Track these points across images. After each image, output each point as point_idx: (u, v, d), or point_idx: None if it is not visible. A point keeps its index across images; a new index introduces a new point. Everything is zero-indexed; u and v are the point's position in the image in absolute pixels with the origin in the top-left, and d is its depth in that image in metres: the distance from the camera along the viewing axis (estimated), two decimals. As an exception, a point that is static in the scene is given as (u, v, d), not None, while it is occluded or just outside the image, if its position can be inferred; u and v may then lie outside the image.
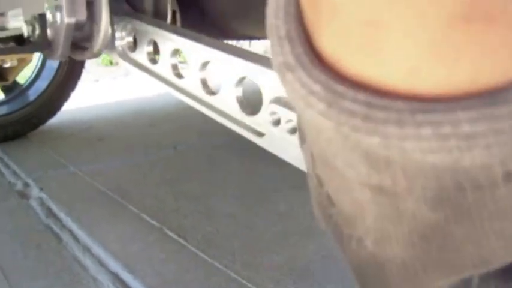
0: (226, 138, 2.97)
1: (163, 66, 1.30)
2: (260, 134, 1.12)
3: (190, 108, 1.30)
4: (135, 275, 1.68)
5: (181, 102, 1.29)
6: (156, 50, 1.32)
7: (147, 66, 1.34)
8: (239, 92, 1.15)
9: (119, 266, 1.73)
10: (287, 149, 1.05)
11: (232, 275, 1.66)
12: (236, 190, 2.28)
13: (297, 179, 2.43)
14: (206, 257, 1.75)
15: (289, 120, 1.02)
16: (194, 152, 2.81)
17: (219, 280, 1.65)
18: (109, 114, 3.74)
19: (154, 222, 1.99)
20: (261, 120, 1.11)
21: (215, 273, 1.68)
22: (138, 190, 2.33)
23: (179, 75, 1.28)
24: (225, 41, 1.40)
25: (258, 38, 2.35)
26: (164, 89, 1.29)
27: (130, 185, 2.40)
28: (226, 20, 1.84)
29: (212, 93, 1.21)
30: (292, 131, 1.02)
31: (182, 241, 1.85)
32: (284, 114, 1.02)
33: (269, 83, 1.05)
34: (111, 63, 5.74)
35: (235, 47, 1.18)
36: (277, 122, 1.04)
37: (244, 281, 1.63)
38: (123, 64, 1.38)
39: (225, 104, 1.17)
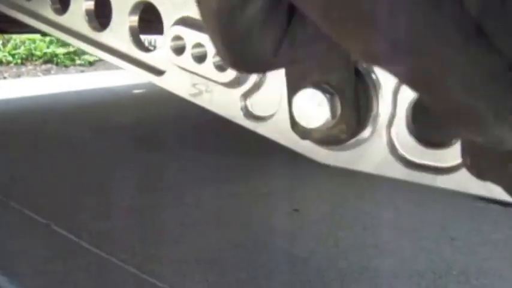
0: (125, 131, 2.71)
1: (41, 2, 1.06)
2: (159, 72, 0.91)
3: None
4: (11, 277, 1.39)
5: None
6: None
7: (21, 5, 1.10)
8: (134, 21, 0.94)
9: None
10: (196, 86, 0.85)
11: (131, 270, 1.42)
12: (136, 183, 2.04)
13: (203, 170, 2.24)
14: (102, 253, 1.49)
15: (197, 45, 0.82)
16: (89, 144, 2.53)
17: (115, 277, 1.40)
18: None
19: (39, 218, 1.70)
20: (160, 55, 0.90)
21: (111, 270, 1.42)
22: (23, 185, 2.03)
23: (58, 11, 1.04)
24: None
25: None
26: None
27: (14, 180, 2.09)
28: None
29: (100, 28, 0.99)
30: (201, 58, 0.82)
31: (73, 237, 1.58)
32: (191, 36, 0.82)
33: (172, 2, 0.85)
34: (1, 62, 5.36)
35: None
36: (180, 49, 0.84)
37: (145, 276, 1.39)
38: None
39: (117, 42, 0.95)
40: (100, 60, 6.55)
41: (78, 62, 6.43)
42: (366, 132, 0.73)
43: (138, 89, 4.55)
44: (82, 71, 6.08)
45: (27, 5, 1.09)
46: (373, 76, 0.71)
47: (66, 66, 6.38)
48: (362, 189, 1.93)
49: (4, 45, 6.19)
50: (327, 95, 0.68)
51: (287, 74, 0.73)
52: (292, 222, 1.66)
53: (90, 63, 6.41)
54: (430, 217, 1.69)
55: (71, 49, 6.37)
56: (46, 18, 1.06)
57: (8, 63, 6.03)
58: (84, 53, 6.63)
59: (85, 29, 1.00)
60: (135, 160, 2.32)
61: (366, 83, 0.71)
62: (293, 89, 0.72)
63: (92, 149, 2.51)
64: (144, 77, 0.93)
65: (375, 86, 0.71)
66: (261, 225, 1.65)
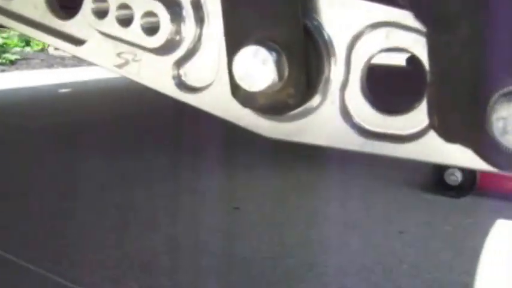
0: (41, 123, 2.54)
1: None
2: (80, 42, 0.79)
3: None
4: None
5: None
6: None
7: None
8: (47, -15, 0.81)
9: None
10: (121, 55, 0.74)
11: (55, 278, 1.27)
12: (57, 185, 1.88)
13: (131, 168, 2.10)
14: (20, 261, 1.34)
15: (123, 6, 0.71)
16: (8, 145, 2.34)
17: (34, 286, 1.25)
18: None
19: None
20: (80, 22, 0.78)
21: (30, 280, 1.27)
22: None
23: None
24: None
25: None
26: None
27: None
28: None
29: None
30: (126, 22, 0.71)
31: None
32: (114, -3, 0.71)
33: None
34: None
35: None
36: (102, 12, 0.73)
37: (71, 284, 1.24)
38: None
39: (29, 6, 0.83)
40: (23, 58, 6.19)
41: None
42: (316, 99, 0.64)
43: (64, 88, 4.34)
44: (3, 70, 5.69)
45: None
46: (324, 33, 0.62)
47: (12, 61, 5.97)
48: (304, 186, 1.86)
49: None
50: (273, 53, 0.59)
51: (226, 32, 0.63)
52: (233, 221, 1.56)
53: (12, 62, 6.02)
54: (377, 211, 1.63)
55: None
56: None
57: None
58: (5, 51, 6.22)
59: (-8, -3, 0.87)
60: (57, 162, 2.16)
61: (315, 41, 0.62)
62: (233, 48, 0.62)
63: (12, 150, 2.32)
64: (63, 48, 0.81)
65: (326, 44, 0.62)
66: (199, 225, 1.53)
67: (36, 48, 6.94)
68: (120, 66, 0.76)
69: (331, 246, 1.42)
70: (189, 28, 0.70)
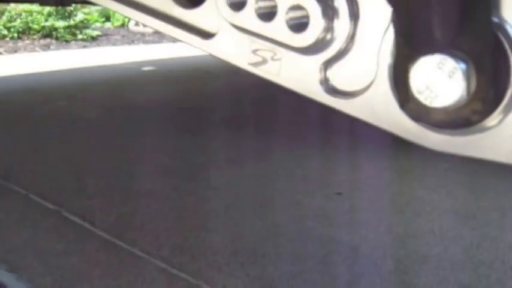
0: (136, 112, 2.54)
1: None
2: (208, 35, 0.72)
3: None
4: (19, 273, 1.21)
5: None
6: None
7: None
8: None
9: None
10: (256, 52, 0.66)
11: (159, 263, 1.24)
12: (156, 166, 1.86)
13: (231, 150, 2.06)
14: (121, 244, 1.32)
15: (264, -3, 0.63)
16: (98, 127, 2.34)
17: (141, 272, 1.22)
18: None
19: (48, 204, 1.53)
20: (208, 12, 0.71)
21: (135, 264, 1.25)
22: (27, 168, 1.84)
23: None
24: None
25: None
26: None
27: (18, 163, 1.90)
28: None
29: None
30: (268, 15, 0.63)
31: (88, 225, 1.41)
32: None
33: None
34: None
35: None
36: (239, 4, 0.65)
37: (175, 271, 1.21)
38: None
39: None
40: (104, 34, 6.22)
41: (79, 36, 6.08)
42: (498, 114, 0.54)
43: (147, 66, 4.31)
44: (84, 47, 5.75)
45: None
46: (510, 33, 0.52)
47: (66, 41, 6.03)
48: (407, 172, 1.76)
49: (-1, 17, 5.88)
50: (461, 63, 0.49)
51: (400, 36, 0.54)
52: (335, 207, 1.49)
53: (93, 38, 6.07)
54: (488, 201, 1.52)
55: (72, 22, 6.03)
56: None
57: (4, 37, 5.71)
58: (86, 27, 6.25)
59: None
60: (148, 141, 2.14)
61: (504, 49, 0.52)
62: (410, 55, 0.53)
63: (100, 130, 2.32)
64: (188, 41, 0.74)
65: (515, 52, 0.52)
66: (301, 209, 1.47)
67: (116, 24, 6.96)
68: (255, 64, 0.68)
69: (444, 237, 1.32)
70: (342, 24, 0.60)
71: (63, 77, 3.46)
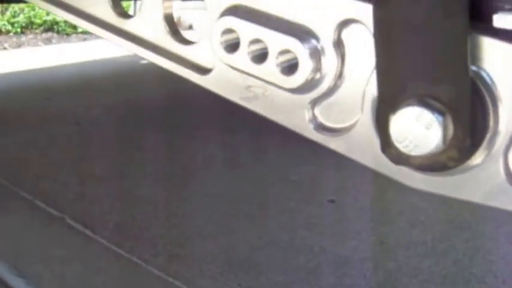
0: (137, 111, 2.57)
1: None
2: (204, 71, 0.75)
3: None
4: (27, 279, 1.26)
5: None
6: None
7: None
8: (169, 7, 0.77)
9: (5, 267, 1.31)
10: (250, 89, 0.70)
11: (156, 271, 1.29)
12: (154, 170, 1.89)
13: (228, 154, 2.09)
14: (121, 251, 1.37)
15: (255, 41, 0.66)
16: (101, 128, 2.37)
17: (139, 280, 1.27)
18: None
19: (52, 211, 1.57)
20: (205, 49, 0.74)
21: (134, 272, 1.30)
22: (33, 172, 1.88)
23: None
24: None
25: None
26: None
27: (24, 166, 1.94)
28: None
29: (124, 15, 0.82)
30: (260, 57, 0.66)
31: (89, 232, 1.45)
32: (246, 30, 0.66)
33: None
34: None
35: None
36: (233, 46, 0.68)
37: (171, 279, 1.26)
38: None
39: (147, 27, 0.79)
40: None
41: (80, 29, 6.17)
42: (478, 157, 0.58)
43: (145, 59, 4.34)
44: (84, 39, 5.80)
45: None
46: (488, 80, 0.55)
47: (67, 34, 6.11)
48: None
49: (3, 13, 5.92)
50: (438, 116, 0.53)
51: (381, 86, 0.57)
52: (327, 216, 1.53)
53: None
54: (483, 211, 1.55)
55: (72, 16, 6.07)
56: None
57: (8, 32, 5.78)
58: None
59: (109, 15, 0.84)
60: (150, 142, 2.17)
61: (482, 96, 0.56)
62: (389, 105, 0.57)
63: (101, 130, 2.36)
64: (185, 76, 0.77)
65: (492, 94, 0.56)
66: (293, 217, 1.51)
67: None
68: (247, 99, 0.72)
69: (436, 248, 1.36)
70: (329, 65, 0.64)
71: (65, 72, 3.49)
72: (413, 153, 0.55)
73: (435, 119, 0.53)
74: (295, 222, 1.50)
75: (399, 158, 0.57)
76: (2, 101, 2.89)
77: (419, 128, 0.53)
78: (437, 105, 0.53)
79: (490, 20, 0.62)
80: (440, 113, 0.53)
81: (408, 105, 0.54)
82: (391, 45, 0.55)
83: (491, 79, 0.55)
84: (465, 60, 0.52)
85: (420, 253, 1.34)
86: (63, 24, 6.14)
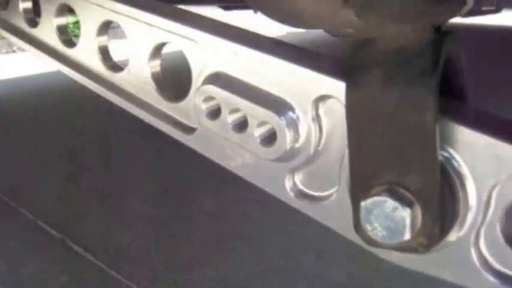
0: (141, 123, 2.56)
1: (46, 30, 0.91)
2: (189, 130, 0.77)
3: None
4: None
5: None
6: (36, 9, 0.93)
7: (23, 30, 0.94)
8: (156, 66, 0.79)
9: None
10: (231, 152, 0.71)
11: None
12: (154, 187, 1.91)
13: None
14: (120, 277, 1.39)
15: (235, 110, 0.68)
16: (104, 139, 2.39)
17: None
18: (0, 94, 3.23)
19: (54, 232, 1.59)
20: (189, 108, 0.76)
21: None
22: (34, 188, 1.91)
23: (69, 43, 0.89)
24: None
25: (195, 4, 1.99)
26: (49, 64, 0.90)
27: (26, 181, 1.97)
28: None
29: (117, 68, 0.84)
30: (240, 126, 0.68)
31: (89, 257, 1.47)
32: (226, 100, 0.68)
33: (201, 51, 0.70)
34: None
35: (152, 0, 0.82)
36: (214, 113, 0.69)
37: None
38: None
39: (135, 84, 0.81)
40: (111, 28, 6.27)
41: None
42: (449, 239, 0.59)
43: None
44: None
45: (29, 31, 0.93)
46: (459, 167, 0.56)
47: (76, 36, 6.04)
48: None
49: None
50: (407, 209, 0.54)
51: (352, 168, 0.58)
52: (325, 239, 1.53)
53: None
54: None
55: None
56: (54, 50, 0.91)
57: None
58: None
59: (98, 66, 0.85)
60: (147, 156, 2.19)
61: (452, 183, 0.56)
62: (360, 188, 0.58)
63: (102, 142, 2.37)
64: (170, 134, 0.79)
65: (463, 185, 0.56)
66: (292, 241, 1.52)
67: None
68: (231, 162, 0.73)
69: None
70: (307, 137, 0.65)
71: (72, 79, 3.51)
72: (381, 241, 0.56)
73: (403, 209, 0.54)
74: (293, 246, 1.51)
75: (370, 240, 0.58)
76: (10, 107, 2.92)
77: (387, 217, 0.54)
78: (406, 195, 0.54)
79: (464, 97, 0.62)
80: (409, 203, 0.54)
81: (377, 193, 0.55)
82: (361, 132, 0.56)
83: (459, 163, 0.56)
84: (434, 150, 0.53)
85: (417, 279, 1.34)
86: (71, 26, 6.16)
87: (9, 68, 3.90)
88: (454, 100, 0.60)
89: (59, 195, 1.85)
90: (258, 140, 0.66)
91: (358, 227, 0.59)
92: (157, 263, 1.45)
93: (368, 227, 0.56)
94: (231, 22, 0.74)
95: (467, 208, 0.57)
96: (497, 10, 1.74)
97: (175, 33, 0.72)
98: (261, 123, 0.65)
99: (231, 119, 0.68)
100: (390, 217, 0.54)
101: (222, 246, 1.53)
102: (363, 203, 0.56)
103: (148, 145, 2.25)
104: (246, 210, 1.71)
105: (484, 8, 1.69)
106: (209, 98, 0.69)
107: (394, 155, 0.55)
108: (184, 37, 0.71)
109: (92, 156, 2.21)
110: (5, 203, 1.78)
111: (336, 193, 0.65)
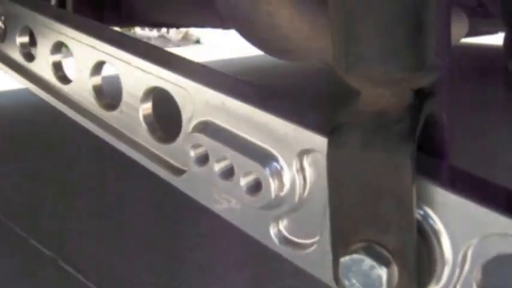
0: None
1: (42, 65, 0.93)
2: (178, 172, 0.79)
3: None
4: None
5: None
6: (33, 42, 0.95)
7: (19, 63, 0.97)
8: (147, 108, 0.81)
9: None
10: (218, 197, 0.73)
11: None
12: (149, 204, 1.93)
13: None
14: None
15: (222, 158, 0.69)
16: (101, 154, 2.40)
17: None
18: (-1, 107, 3.26)
19: (46, 251, 1.61)
20: (179, 150, 0.77)
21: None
22: (31, 205, 1.92)
23: (63, 79, 0.91)
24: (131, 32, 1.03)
25: (176, 26, 2.00)
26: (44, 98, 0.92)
27: (22, 198, 1.99)
28: (137, 1, 1.47)
29: (110, 107, 0.86)
30: (226, 174, 0.70)
31: (80, 277, 1.49)
32: (214, 149, 0.69)
33: (191, 98, 0.72)
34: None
35: (144, 43, 0.84)
36: (202, 160, 0.71)
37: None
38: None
39: (127, 125, 0.82)
40: None
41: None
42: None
43: None
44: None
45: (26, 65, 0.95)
46: (437, 229, 0.58)
47: None
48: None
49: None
50: (383, 268, 0.55)
51: (332, 223, 0.60)
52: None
53: None
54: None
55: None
56: (47, 85, 0.93)
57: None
58: None
59: (91, 104, 0.87)
60: (142, 174, 2.20)
61: (429, 240, 0.58)
62: (340, 243, 0.60)
63: (100, 160, 2.38)
64: (160, 175, 0.81)
65: (439, 241, 0.58)
66: (282, 264, 1.53)
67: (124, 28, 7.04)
68: (219, 206, 0.75)
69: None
70: (292, 188, 0.67)
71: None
72: (359, 294, 0.57)
73: (380, 268, 0.55)
74: (282, 270, 1.52)
75: (347, 289, 0.60)
76: (8, 120, 2.93)
77: (365, 275, 0.56)
78: (384, 253, 0.56)
79: (444, 153, 0.64)
80: (386, 262, 0.56)
81: (355, 250, 0.57)
82: (341, 190, 0.58)
83: (435, 221, 0.58)
84: (411, 211, 0.55)
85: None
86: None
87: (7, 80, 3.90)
88: (432, 158, 0.62)
89: (53, 213, 1.86)
90: (244, 189, 0.68)
91: (337, 280, 0.60)
92: (148, 285, 1.46)
93: (347, 283, 0.57)
94: (222, 69, 0.76)
95: (443, 264, 0.59)
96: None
97: (166, 80, 0.74)
98: (247, 173, 0.67)
99: (218, 166, 0.70)
100: (368, 275, 0.56)
101: (214, 270, 1.54)
102: (342, 259, 0.57)
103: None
104: (236, 234, 1.72)
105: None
106: (197, 145, 0.71)
107: (372, 214, 0.57)
108: (174, 84, 0.73)
109: (88, 174, 2.22)
110: (1, 221, 1.79)
111: (318, 242, 0.67)
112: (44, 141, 2.62)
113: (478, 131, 2.59)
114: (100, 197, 1.99)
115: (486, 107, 3.00)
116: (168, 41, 6.40)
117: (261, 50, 0.99)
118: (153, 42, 6.32)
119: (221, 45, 5.29)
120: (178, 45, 6.33)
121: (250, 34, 1.01)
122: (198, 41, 6.47)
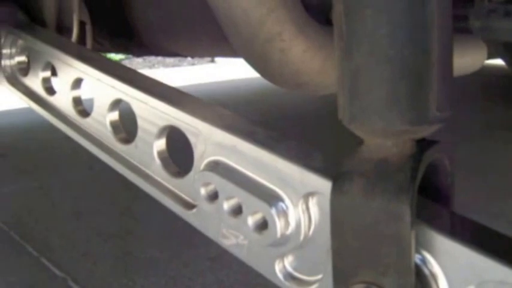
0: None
1: (63, 99, 0.97)
2: (189, 206, 0.82)
3: None
4: None
5: None
6: (54, 73, 1.00)
7: (41, 97, 1.01)
8: (161, 145, 0.84)
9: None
10: (226, 232, 0.76)
11: None
12: (160, 227, 1.96)
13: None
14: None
15: (231, 197, 0.73)
16: (112, 175, 2.45)
17: None
18: (13, 124, 3.30)
19: (56, 271, 1.64)
20: (190, 185, 0.81)
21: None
22: (42, 225, 1.96)
23: (83, 113, 0.96)
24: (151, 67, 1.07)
25: (192, 56, 2.05)
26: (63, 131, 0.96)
27: (34, 217, 2.03)
28: (152, 32, 1.52)
29: (125, 141, 0.90)
30: (235, 211, 0.73)
31: (90, 299, 1.52)
32: (223, 187, 0.73)
33: (203, 138, 0.76)
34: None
35: (158, 82, 0.88)
36: (212, 197, 0.75)
37: None
38: (10, 90, 1.04)
39: (141, 158, 0.86)
40: (126, 58, 6.37)
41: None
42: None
43: None
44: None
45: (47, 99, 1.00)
46: (435, 273, 0.61)
47: None
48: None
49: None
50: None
51: (335, 264, 0.63)
52: None
53: None
54: None
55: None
56: (67, 118, 0.97)
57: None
58: None
59: (108, 137, 0.91)
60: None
61: (427, 284, 0.61)
62: (341, 283, 0.63)
63: (111, 178, 2.43)
64: (173, 210, 0.84)
65: (438, 285, 0.61)
66: None
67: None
68: (226, 241, 0.78)
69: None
70: (297, 227, 0.70)
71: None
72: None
73: (379, 307, 0.58)
74: None
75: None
76: (14, 141, 2.98)
77: (364, 317, 0.59)
78: (382, 291, 0.59)
79: (447, 197, 0.67)
80: (385, 299, 0.59)
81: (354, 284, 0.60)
82: (343, 233, 0.61)
83: (433, 265, 0.61)
84: (409, 256, 0.58)
85: None
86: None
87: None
88: (433, 204, 0.65)
89: (65, 233, 1.90)
90: (251, 227, 0.71)
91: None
92: (155, 309, 1.49)
93: (347, 324, 0.60)
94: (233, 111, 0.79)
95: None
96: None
97: (179, 120, 0.78)
98: (254, 212, 0.71)
99: (226, 204, 0.73)
100: (367, 317, 0.59)
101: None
102: (343, 293, 0.60)
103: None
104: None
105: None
106: (208, 183, 0.75)
107: (371, 257, 0.60)
108: (188, 124, 0.77)
109: (99, 194, 2.26)
110: (12, 238, 1.83)
111: (321, 280, 0.70)
112: (55, 160, 2.67)
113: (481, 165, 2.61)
114: (111, 218, 2.03)
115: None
116: (183, 59, 6.47)
117: (272, 83, 1.03)
118: (167, 61, 6.39)
119: (235, 64, 5.35)
120: (193, 64, 6.40)
121: (261, 68, 1.05)
122: (212, 60, 6.54)
